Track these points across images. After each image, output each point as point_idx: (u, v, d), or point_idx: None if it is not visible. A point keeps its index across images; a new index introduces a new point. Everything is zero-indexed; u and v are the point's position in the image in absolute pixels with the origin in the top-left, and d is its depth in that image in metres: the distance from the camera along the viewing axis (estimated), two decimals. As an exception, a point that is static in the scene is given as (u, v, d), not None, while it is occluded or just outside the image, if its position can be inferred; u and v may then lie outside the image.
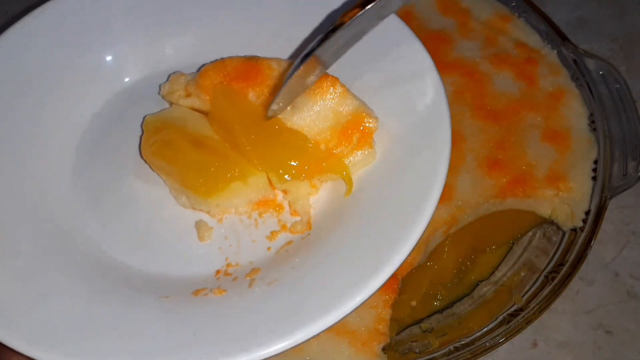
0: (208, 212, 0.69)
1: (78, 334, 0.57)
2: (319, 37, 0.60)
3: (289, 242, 0.66)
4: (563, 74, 0.88)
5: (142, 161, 0.71)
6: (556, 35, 0.90)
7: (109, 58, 0.77)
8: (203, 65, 0.72)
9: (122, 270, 0.65)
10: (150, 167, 0.71)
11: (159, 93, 0.75)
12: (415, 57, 0.69)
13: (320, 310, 0.55)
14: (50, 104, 0.73)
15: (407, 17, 0.92)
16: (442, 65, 0.86)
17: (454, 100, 0.83)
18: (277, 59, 0.69)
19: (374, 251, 0.59)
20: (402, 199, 0.62)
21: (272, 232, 0.68)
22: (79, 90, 0.75)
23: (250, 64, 0.68)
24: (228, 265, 0.66)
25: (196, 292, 0.61)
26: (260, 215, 0.69)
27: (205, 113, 0.71)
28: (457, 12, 0.93)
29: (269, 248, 0.67)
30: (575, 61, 0.88)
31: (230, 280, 0.63)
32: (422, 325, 0.78)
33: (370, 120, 0.66)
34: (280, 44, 0.74)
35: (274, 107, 0.65)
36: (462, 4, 0.94)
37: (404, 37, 0.71)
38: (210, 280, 0.64)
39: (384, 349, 0.72)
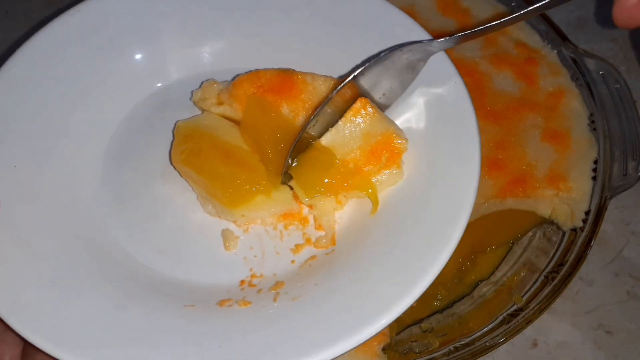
0: (234, 222, 0.69)
1: (104, 339, 0.57)
2: (357, 67, 0.64)
3: (313, 257, 0.67)
4: (563, 74, 0.88)
5: (170, 167, 0.71)
6: (556, 35, 0.90)
7: (142, 61, 0.77)
8: (237, 75, 0.72)
9: (148, 276, 0.65)
10: (179, 173, 0.70)
11: (190, 99, 0.74)
12: (450, 83, 0.69)
13: (343, 333, 0.56)
14: (80, 106, 0.73)
15: (407, 17, 0.92)
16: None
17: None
18: (312, 74, 0.69)
19: (398, 277, 0.59)
20: (428, 222, 0.62)
21: (296, 245, 0.68)
22: (111, 93, 0.75)
23: (285, 77, 0.68)
24: (252, 276, 0.66)
25: (221, 303, 0.62)
26: (285, 227, 0.69)
27: (236, 122, 0.71)
28: (457, 12, 0.93)
29: (292, 261, 0.67)
30: (575, 61, 0.88)
31: (255, 292, 0.64)
32: (422, 325, 0.78)
33: (400, 141, 0.65)
34: (316, 60, 0.73)
35: (309, 129, 0.66)
36: (462, 4, 0.94)
37: (441, 64, 0.71)
38: (235, 290, 0.64)
39: (384, 349, 0.72)
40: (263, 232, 0.69)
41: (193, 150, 0.68)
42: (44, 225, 0.65)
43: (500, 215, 0.81)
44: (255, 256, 0.67)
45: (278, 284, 0.64)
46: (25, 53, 0.71)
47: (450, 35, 0.65)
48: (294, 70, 0.69)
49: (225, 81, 0.72)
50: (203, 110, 0.73)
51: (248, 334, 0.58)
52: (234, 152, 0.68)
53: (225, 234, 0.68)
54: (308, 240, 0.68)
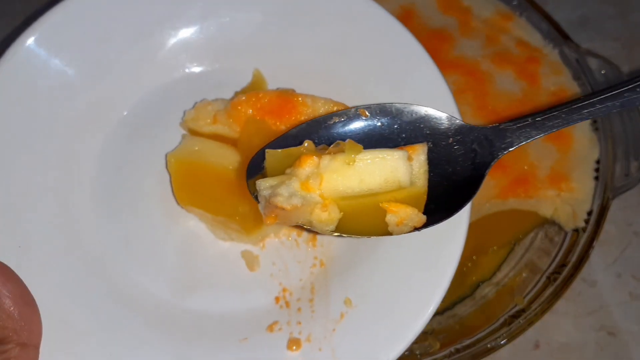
0: (251, 243, 0.68)
1: None
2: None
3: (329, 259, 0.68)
4: (565, 73, 0.88)
5: (168, 202, 0.68)
6: (558, 34, 0.89)
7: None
8: (235, 93, 0.70)
9: (192, 318, 0.64)
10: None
11: (181, 123, 0.70)
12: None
13: (399, 331, 0.61)
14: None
15: (408, 15, 0.91)
16: (443, 64, 0.85)
17: (455, 99, 0.83)
18: (312, 96, 0.67)
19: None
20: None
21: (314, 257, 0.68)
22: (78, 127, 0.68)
23: (285, 99, 0.66)
24: (284, 290, 0.66)
25: (270, 328, 0.62)
26: (298, 234, 0.69)
27: (230, 140, 0.68)
28: (458, 11, 0.93)
29: (313, 265, 0.67)
30: (577, 60, 0.87)
31: (295, 308, 0.64)
32: (423, 326, 0.78)
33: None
34: (319, 81, 0.71)
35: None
36: (463, 3, 0.94)
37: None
38: (274, 309, 0.65)
39: (384, 351, 0.72)
40: (279, 245, 0.68)
41: (194, 189, 0.65)
42: (80, 294, 0.63)
43: (501, 215, 0.81)
44: (280, 270, 0.67)
45: (311, 289, 0.65)
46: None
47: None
48: (294, 91, 0.68)
49: (216, 99, 0.69)
50: (189, 131, 0.69)
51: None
52: (232, 177, 0.66)
53: (246, 256, 0.67)
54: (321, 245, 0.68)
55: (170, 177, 0.66)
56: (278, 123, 0.66)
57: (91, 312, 0.61)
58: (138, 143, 0.69)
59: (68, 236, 0.64)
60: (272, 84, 0.72)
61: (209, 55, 0.71)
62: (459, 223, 0.63)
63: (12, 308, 0.56)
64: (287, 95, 0.67)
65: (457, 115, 0.66)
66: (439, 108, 0.62)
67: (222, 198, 0.65)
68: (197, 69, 0.72)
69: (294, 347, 0.61)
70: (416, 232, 0.57)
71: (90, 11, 0.67)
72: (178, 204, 0.67)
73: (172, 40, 0.70)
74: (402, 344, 0.60)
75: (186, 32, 0.71)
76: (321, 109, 0.65)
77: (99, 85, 0.68)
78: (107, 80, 0.69)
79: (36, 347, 0.57)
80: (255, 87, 0.71)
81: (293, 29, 0.71)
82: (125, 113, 0.70)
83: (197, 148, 0.67)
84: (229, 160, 0.66)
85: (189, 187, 0.66)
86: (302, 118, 0.65)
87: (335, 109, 0.65)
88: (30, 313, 0.57)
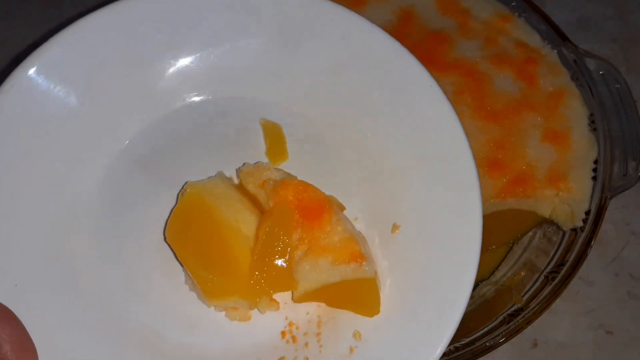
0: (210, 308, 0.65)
1: None
2: None
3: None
4: (563, 74, 0.88)
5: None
6: (556, 35, 0.90)
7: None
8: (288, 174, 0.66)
9: (196, 354, 0.62)
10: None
11: (236, 176, 0.67)
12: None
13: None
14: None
15: (407, 17, 0.92)
16: (442, 66, 0.86)
17: (454, 100, 0.83)
18: (340, 216, 0.63)
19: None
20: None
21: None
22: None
23: (322, 208, 0.63)
24: (290, 324, 0.63)
25: None
26: None
27: (259, 206, 0.65)
28: (457, 12, 0.93)
29: None
30: (575, 61, 0.88)
31: (303, 346, 0.62)
32: (422, 325, 0.78)
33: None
34: (322, 102, 0.69)
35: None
36: (462, 4, 0.94)
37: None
38: (280, 345, 0.62)
39: (384, 349, 0.72)
40: None
41: (185, 230, 0.62)
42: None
43: (500, 215, 0.81)
44: (285, 303, 0.64)
45: (318, 323, 0.63)
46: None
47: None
48: (333, 204, 0.64)
49: (278, 169, 0.66)
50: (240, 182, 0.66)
51: None
52: (227, 238, 0.62)
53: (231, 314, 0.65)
54: None
55: (175, 205, 0.64)
56: (299, 224, 0.63)
57: (91, 352, 0.60)
58: (139, 176, 0.67)
59: (66, 274, 0.62)
60: (274, 111, 0.69)
61: (210, 83, 0.69)
62: (469, 262, 0.61)
63: (9, 354, 0.53)
64: (325, 204, 0.63)
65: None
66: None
67: (199, 254, 0.62)
68: (197, 98, 0.69)
69: None
70: (425, 266, 0.61)
71: (89, 40, 0.66)
72: (163, 233, 0.64)
73: (172, 70, 0.68)
74: None
75: (186, 61, 0.68)
76: (335, 235, 0.62)
77: (99, 116, 0.66)
78: (107, 110, 0.67)
79: None
80: (272, 141, 0.69)
81: (294, 54, 0.69)
82: (126, 143, 0.67)
83: (216, 191, 0.64)
84: (236, 215, 0.63)
85: (179, 226, 0.63)
86: (316, 232, 0.63)
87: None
88: (28, 359, 0.56)
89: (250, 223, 0.63)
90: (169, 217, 0.64)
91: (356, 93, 0.68)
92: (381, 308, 0.61)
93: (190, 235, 0.62)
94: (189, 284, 0.64)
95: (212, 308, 0.64)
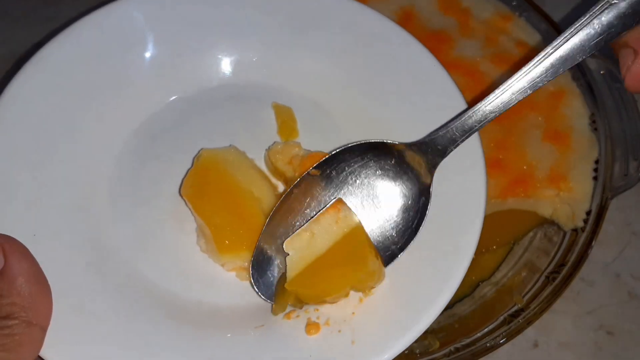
0: (221, 265, 0.67)
1: None
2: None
3: None
4: (564, 74, 0.88)
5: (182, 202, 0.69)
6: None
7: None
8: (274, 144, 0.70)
9: (206, 309, 0.64)
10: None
11: (265, 154, 0.70)
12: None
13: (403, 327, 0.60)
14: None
15: (407, 16, 0.92)
16: (443, 65, 0.86)
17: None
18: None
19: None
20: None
21: None
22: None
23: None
24: None
25: (287, 316, 0.62)
26: None
27: (285, 178, 0.69)
28: (457, 12, 0.93)
29: None
30: (576, 61, 0.88)
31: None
32: (423, 325, 0.78)
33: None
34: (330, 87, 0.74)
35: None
36: (462, 4, 0.94)
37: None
38: None
39: (384, 350, 0.72)
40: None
41: (201, 186, 0.66)
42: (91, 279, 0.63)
43: (500, 215, 0.81)
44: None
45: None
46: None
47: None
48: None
49: (306, 149, 0.69)
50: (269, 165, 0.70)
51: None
52: (240, 198, 0.65)
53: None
54: None
55: (190, 168, 0.68)
56: None
57: (105, 300, 0.62)
58: (157, 146, 0.72)
59: (85, 228, 0.65)
60: (284, 96, 0.74)
61: (222, 70, 0.75)
62: (474, 218, 0.64)
63: (23, 286, 0.55)
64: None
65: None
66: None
67: (216, 209, 0.65)
68: (210, 84, 0.75)
69: (312, 331, 0.60)
70: (431, 224, 0.62)
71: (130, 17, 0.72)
72: (179, 191, 0.68)
73: (188, 55, 0.74)
74: (421, 325, 0.60)
75: (200, 50, 0.74)
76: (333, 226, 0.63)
77: (122, 92, 0.72)
78: (130, 89, 0.72)
79: (43, 329, 0.57)
80: (284, 121, 0.72)
81: (303, 41, 0.74)
82: (144, 119, 0.73)
83: (230, 158, 0.68)
84: (249, 180, 0.67)
85: (196, 183, 0.66)
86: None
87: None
88: (41, 294, 0.57)
89: (262, 188, 0.67)
90: (184, 177, 0.68)
91: (364, 78, 0.72)
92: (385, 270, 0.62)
93: (206, 190, 0.65)
94: (201, 245, 0.67)
95: (223, 268, 0.66)
